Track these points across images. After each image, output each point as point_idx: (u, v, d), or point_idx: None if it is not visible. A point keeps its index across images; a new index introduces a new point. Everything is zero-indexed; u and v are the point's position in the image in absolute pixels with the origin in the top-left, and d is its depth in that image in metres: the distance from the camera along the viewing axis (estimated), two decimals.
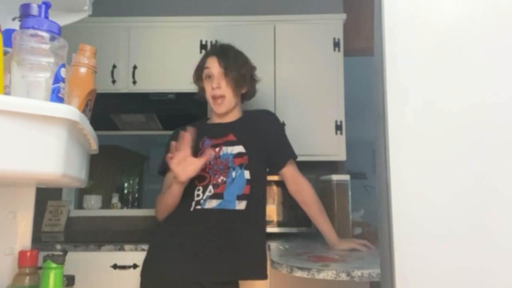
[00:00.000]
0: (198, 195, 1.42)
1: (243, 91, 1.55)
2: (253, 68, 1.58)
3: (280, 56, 2.30)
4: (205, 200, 1.41)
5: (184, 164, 1.32)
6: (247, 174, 1.44)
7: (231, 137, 1.48)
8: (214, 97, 1.49)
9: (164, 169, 1.53)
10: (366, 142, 2.66)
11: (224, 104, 1.50)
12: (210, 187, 1.42)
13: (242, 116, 1.58)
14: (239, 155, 1.45)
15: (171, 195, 1.40)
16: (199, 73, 1.54)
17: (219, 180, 1.42)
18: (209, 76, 1.50)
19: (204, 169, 1.42)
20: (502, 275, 0.60)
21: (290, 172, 1.57)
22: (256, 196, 1.46)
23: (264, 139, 1.53)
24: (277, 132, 1.60)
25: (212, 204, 1.41)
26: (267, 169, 1.56)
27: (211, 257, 1.37)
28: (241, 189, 1.43)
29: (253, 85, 1.59)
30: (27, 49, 0.62)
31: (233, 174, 1.43)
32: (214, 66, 1.49)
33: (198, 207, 1.41)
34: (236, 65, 1.50)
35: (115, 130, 2.44)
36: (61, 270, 0.78)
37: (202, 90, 1.55)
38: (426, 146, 0.64)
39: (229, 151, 1.45)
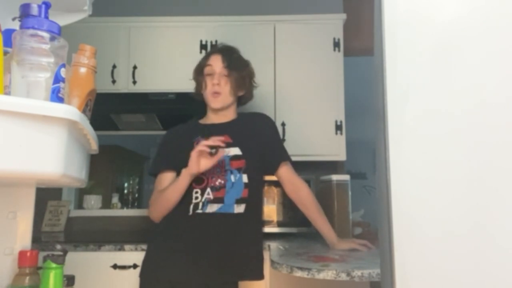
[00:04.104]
0: (196, 198, 1.42)
1: (241, 93, 1.56)
2: (253, 74, 1.60)
3: (280, 56, 2.30)
4: (205, 205, 1.41)
5: (199, 158, 1.35)
6: (245, 178, 1.44)
7: (227, 138, 1.47)
8: (212, 93, 1.50)
9: (157, 169, 1.52)
10: (366, 142, 2.66)
11: (220, 100, 1.51)
12: (208, 189, 1.42)
13: (237, 117, 1.58)
14: (235, 157, 1.45)
15: (175, 190, 1.41)
16: (201, 69, 1.55)
17: (217, 183, 1.42)
18: (210, 74, 1.51)
19: None
20: (502, 275, 0.60)
21: (285, 173, 1.58)
22: (254, 199, 1.47)
23: (260, 142, 1.53)
24: (273, 135, 1.61)
25: (213, 208, 1.41)
26: (263, 171, 1.57)
27: (214, 259, 1.38)
28: (239, 193, 1.43)
29: (251, 90, 1.60)
30: (27, 49, 0.62)
31: (232, 178, 1.43)
32: (217, 64, 1.51)
33: (199, 211, 1.41)
34: (238, 66, 1.53)
35: (115, 130, 2.44)
36: (61, 270, 0.78)
37: (200, 86, 1.56)
38: (426, 146, 0.64)
39: (225, 153, 1.45)
